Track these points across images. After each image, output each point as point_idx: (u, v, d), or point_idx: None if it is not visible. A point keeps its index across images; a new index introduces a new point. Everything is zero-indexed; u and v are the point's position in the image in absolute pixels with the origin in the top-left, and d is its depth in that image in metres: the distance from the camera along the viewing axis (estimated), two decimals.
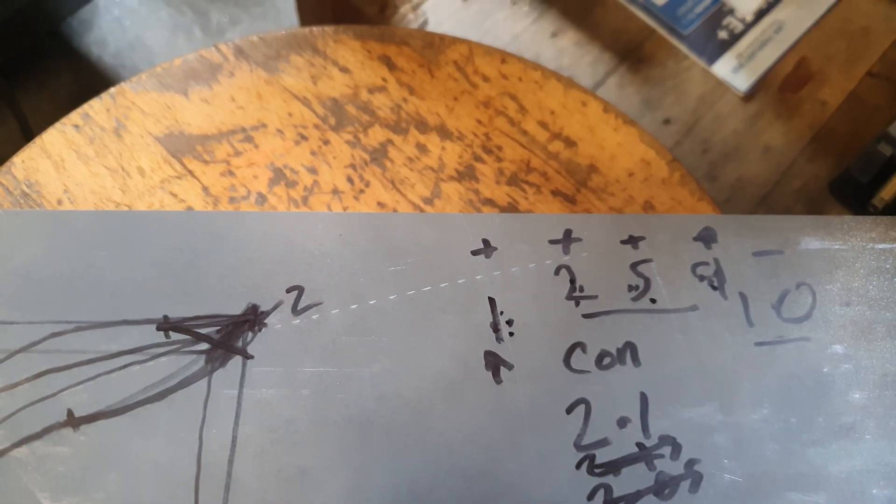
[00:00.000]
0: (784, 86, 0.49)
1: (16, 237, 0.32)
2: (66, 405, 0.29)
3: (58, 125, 0.38)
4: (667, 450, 0.29)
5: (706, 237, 0.33)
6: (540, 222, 0.33)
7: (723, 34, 0.50)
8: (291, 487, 0.28)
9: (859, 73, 0.50)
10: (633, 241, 0.33)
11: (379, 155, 0.39)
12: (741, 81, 0.49)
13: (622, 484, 0.29)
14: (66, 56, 0.78)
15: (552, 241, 0.33)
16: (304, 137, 0.39)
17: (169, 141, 0.38)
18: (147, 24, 0.82)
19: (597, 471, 0.29)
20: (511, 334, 0.31)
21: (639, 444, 0.29)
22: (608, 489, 0.29)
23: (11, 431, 0.29)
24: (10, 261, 0.31)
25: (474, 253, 0.33)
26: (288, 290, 0.31)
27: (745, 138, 0.48)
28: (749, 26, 0.50)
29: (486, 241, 0.33)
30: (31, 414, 0.29)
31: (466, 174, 0.38)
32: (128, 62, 0.77)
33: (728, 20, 0.51)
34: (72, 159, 0.37)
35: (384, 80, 0.41)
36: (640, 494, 0.29)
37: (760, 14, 0.51)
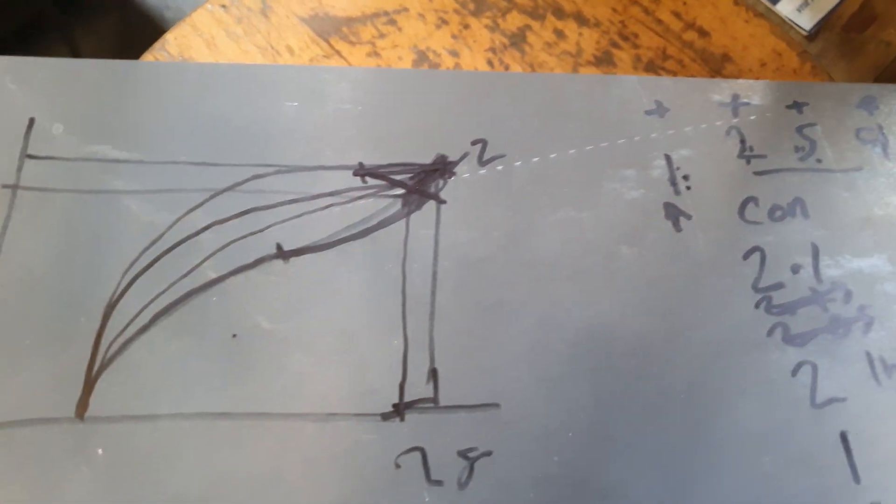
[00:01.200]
0: (848, 26, 0.49)
1: (208, 88, 0.33)
2: (274, 240, 0.31)
3: (206, 5, 0.39)
4: (839, 294, 0.31)
5: (868, 104, 0.35)
6: (707, 86, 0.34)
7: None
8: (490, 317, 0.30)
9: None
10: (797, 106, 0.34)
11: (517, 39, 0.40)
12: (805, 21, 0.48)
13: (798, 323, 0.31)
14: None
15: (721, 105, 0.34)
16: (444, 21, 0.40)
17: (315, 22, 0.39)
18: None
19: (774, 310, 0.31)
20: (688, 188, 0.32)
21: (811, 289, 0.31)
22: (785, 327, 0.30)
23: (225, 262, 0.30)
24: (207, 109, 0.33)
25: (648, 113, 0.34)
26: (473, 143, 0.33)
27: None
28: None
29: (658, 103, 0.34)
30: (241, 247, 0.31)
31: (604, 60, 0.39)
32: (171, 3, 0.76)
33: None
34: (222, 37, 0.38)
35: None
36: (815, 333, 0.30)
37: None
